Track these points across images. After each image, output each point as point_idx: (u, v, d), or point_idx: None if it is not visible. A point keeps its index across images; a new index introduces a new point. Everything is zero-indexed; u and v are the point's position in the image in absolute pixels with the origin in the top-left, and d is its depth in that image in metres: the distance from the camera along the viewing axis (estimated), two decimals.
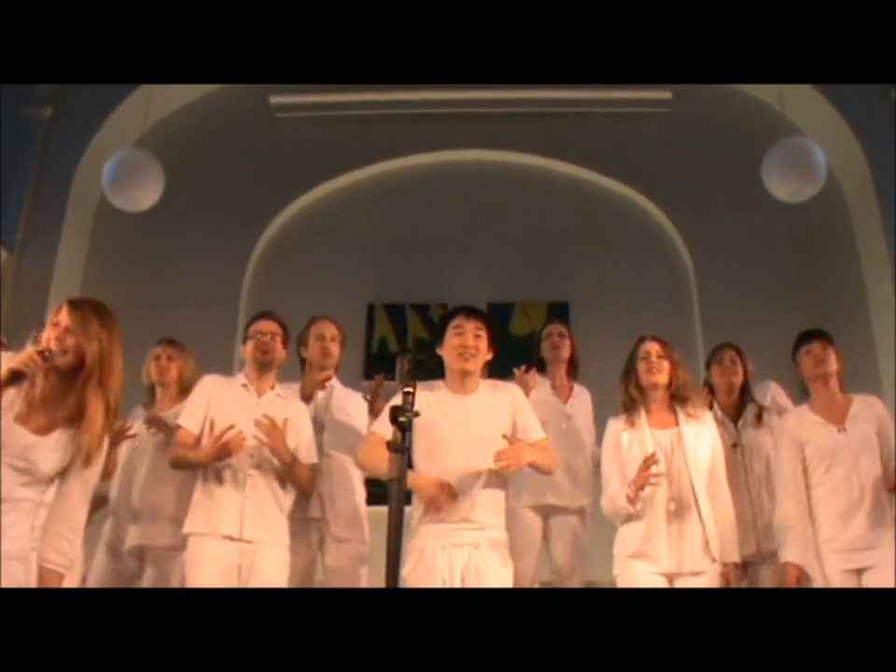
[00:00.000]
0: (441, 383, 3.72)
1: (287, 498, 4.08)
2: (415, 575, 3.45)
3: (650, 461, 3.65)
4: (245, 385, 4.14)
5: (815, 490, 3.90)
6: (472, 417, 3.59)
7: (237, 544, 3.82)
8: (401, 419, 2.62)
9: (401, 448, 2.60)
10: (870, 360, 6.71)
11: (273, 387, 4.18)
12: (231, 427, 3.79)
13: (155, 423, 4.40)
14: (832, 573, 3.74)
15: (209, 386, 4.11)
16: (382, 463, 2.88)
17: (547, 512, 4.59)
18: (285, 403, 4.16)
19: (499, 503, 3.58)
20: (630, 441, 3.84)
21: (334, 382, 4.59)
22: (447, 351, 3.67)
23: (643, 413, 3.90)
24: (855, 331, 6.63)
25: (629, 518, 3.75)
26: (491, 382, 3.78)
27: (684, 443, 3.79)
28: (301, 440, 4.12)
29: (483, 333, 3.66)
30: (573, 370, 4.90)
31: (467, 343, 3.62)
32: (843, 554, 3.75)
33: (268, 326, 4.19)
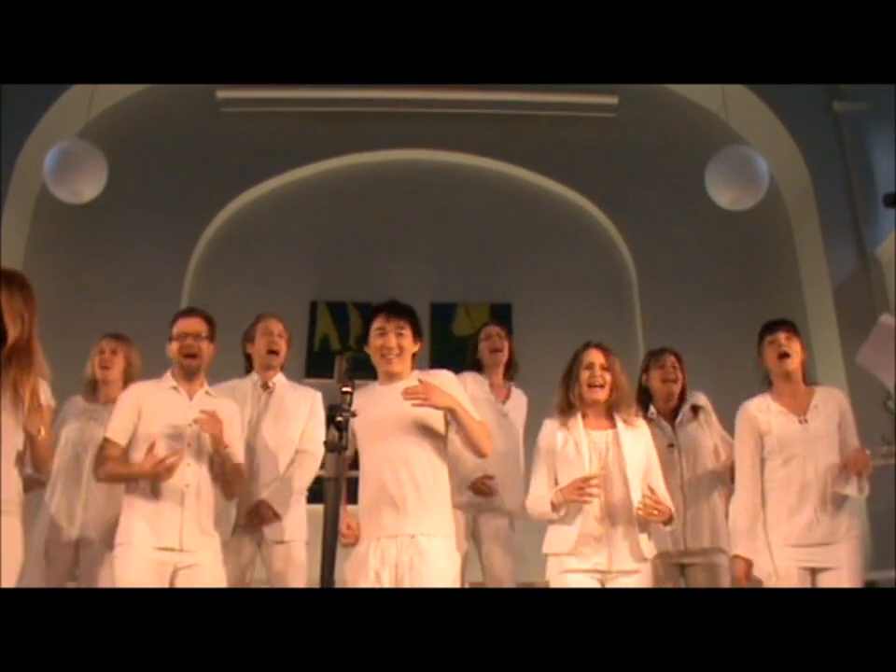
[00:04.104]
0: (375, 384, 3.68)
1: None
2: (349, 567, 3.37)
3: (588, 480, 3.56)
4: (175, 388, 3.99)
5: (770, 481, 3.90)
6: (404, 402, 3.41)
7: (173, 554, 3.74)
8: (338, 419, 2.62)
9: (338, 447, 2.60)
10: (808, 367, 6.79)
11: (202, 385, 4.05)
12: (175, 453, 3.71)
13: None
14: (785, 567, 3.73)
15: (136, 396, 3.94)
16: None
17: (476, 511, 4.53)
18: (217, 403, 4.02)
19: (442, 490, 3.47)
20: (565, 440, 3.76)
21: (277, 378, 4.52)
22: (372, 352, 3.60)
23: (579, 415, 3.82)
24: None
25: (562, 519, 3.67)
26: (422, 371, 3.67)
27: (621, 445, 3.73)
28: (231, 441, 3.97)
29: (406, 329, 3.58)
30: (509, 372, 4.89)
31: (389, 344, 3.54)
32: (797, 549, 3.74)
33: (192, 325, 4.01)
